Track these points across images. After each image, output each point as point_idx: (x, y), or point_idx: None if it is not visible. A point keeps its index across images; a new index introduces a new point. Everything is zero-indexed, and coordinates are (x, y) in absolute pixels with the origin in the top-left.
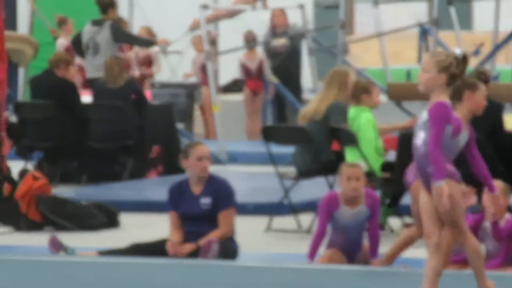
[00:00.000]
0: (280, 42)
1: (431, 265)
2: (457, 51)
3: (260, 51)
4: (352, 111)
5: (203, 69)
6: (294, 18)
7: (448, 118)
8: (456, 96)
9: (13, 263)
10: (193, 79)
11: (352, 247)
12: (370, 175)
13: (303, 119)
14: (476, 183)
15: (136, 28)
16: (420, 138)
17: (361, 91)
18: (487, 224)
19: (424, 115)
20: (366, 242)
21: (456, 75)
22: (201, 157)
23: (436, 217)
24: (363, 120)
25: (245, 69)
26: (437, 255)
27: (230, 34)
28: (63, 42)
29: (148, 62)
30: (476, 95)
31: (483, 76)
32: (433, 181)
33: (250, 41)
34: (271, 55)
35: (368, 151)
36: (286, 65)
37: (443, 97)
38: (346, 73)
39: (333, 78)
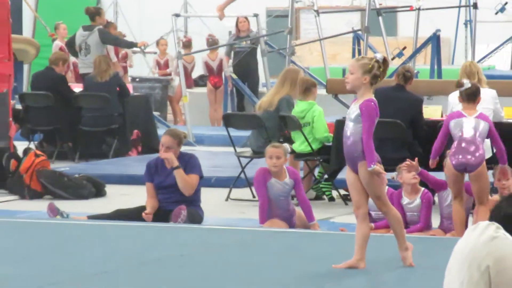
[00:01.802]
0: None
1: (361, 232)
2: (378, 55)
3: (220, 52)
4: (302, 104)
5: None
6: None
7: (377, 112)
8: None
9: (19, 224)
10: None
11: (284, 214)
12: (311, 155)
13: (259, 109)
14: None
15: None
16: (349, 128)
17: (311, 86)
18: (404, 200)
19: (353, 109)
20: (299, 210)
21: (378, 76)
22: (163, 144)
23: (363, 192)
24: (317, 113)
25: (208, 67)
26: (365, 223)
27: (197, 38)
28: (57, 43)
29: (125, 59)
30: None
31: (408, 73)
32: (360, 164)
33: (211, 43)
34: (235, 54)
35: (321, 136)
36: (247, 63)
37: (369, 94)
38: (297, 72)
39: (286, 76)
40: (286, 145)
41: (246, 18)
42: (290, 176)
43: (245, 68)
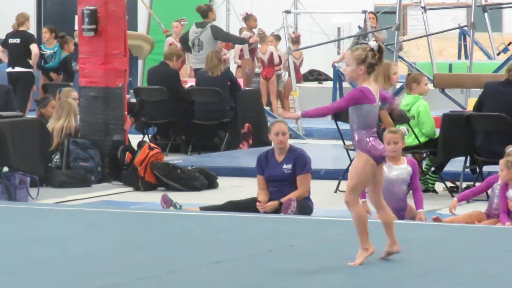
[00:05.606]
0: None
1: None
2: (372, 43)
3: (270, 46)
4: (407, 98)
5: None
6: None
7: (361, 97)
8: None
9: (134, 215)
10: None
11: (397, 203)
12: (418, 147)
13: None
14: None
15: (232, 29)
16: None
17: (411, 81)
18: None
19: None
20: (411, 204)
21: (374, 64)
22: (278, 132)
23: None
24: (422, 108)
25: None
26: (354, 208)
27: (306, 34)
28: (169, 40)
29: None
30: None
31: None
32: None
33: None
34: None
35: (429, 130)
36: None
37: (366, 83)
38: (389, 65)
39: (379, 70)
40: (403, 128)
41: (374, 14)
42: (408, 163)
43: None
